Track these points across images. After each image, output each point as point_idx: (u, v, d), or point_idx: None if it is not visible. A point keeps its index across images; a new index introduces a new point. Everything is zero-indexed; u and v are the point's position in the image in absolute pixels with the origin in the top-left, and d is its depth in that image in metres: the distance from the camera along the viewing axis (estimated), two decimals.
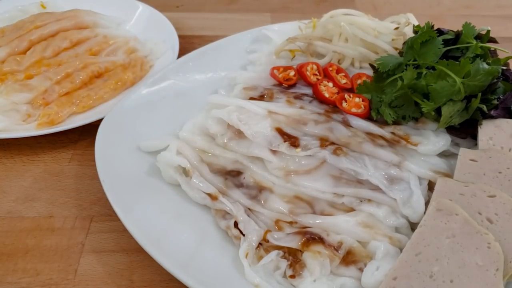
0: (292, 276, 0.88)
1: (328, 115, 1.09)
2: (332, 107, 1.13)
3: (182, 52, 1.47)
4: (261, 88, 1.21)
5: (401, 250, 0.87)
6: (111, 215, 0.99)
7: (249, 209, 1.00)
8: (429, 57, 1.07)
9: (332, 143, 1.04)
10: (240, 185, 1.03)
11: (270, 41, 1.46)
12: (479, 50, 1.09)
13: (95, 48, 1.49)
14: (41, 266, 0.97)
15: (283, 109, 1.11)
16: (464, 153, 0.99)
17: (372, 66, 1.20)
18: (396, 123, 1.07)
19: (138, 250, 0.95)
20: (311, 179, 1.00)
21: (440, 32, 1.15)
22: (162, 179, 1.06)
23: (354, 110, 1.10)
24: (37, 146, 1.25)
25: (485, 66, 1.01)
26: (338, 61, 1.32)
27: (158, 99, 1.25)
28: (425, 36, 1.08)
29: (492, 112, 1.04)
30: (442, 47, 1.08)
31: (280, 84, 1.22)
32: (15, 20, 1.55)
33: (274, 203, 0.99)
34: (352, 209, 0.97)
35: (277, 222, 0.97)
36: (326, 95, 1.14)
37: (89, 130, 1.24)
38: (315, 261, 0.88)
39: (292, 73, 1.24)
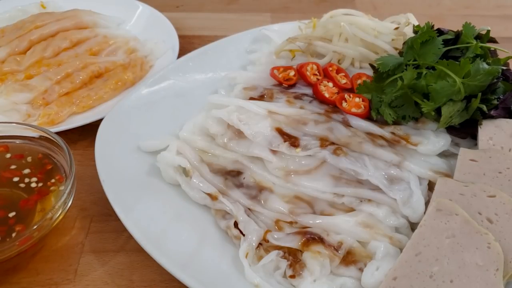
0: (292, 276, 0.88)
1: (328, 115, 1.09)
2: (332, 107, 1.13)
3: (182, 52, 1.47)
4: (261, 88, 1.21)
5: (401, 250, 0.87)
6: (111, 215, 0.99)
7: (249, 209, 1.00)
8: (429, 57, 1.07)
9: (332, 143, 1.04)
10: (240, 185, 1.03)
11: (270, 41, 1.46)
12: (479, 50, 1.09)
13: (95, 48, 1.49)
14: (41, 266, 0.97)
15: (283, 109, 1.11)
16: (464, 153, 0.99)
17: (372, 66, 1.20)
18: (396, 123, 1.07)
19: (138, 250, 0.95)
20: (311, 179, 1.00)
21: (440, 32, 1.15)
22: (162, 179, 1.06)
23: (354, 110, 1.10)
24: None
25: (485, 66, 1.01)
26: (338, 61, 1.32)
27: (158, 99, 1.25)
28: (425, 36, 1.08)
29: (492, 112, 1.04)
30: (442, 47, 1.08)
31: (280, 84, 1.22)
32: (15, 20, 1.55)
33: (274, 203, 0.99)
34: (352, 209, 0.97)
35: (277, 222, 0.97)
36: (326, 95, 1.14)
37: (89, 130, 1.24)
38: (315, 261, 0.88)
39: (292, 73, 1.24)
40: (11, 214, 0.94)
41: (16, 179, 1.00)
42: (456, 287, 0.78)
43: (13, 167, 1.02)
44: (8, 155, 1.04)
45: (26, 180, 1.00)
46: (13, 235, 0.90)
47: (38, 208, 0.96)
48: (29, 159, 1.04)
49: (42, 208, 0.96)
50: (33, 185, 0.99)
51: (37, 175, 1.01)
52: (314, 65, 1.24)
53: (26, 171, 1.01)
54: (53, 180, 1.00)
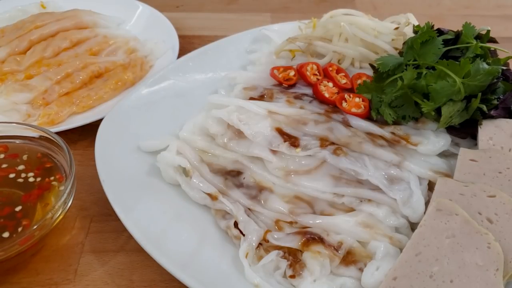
0: (292, 276, 0.88)
1: (328, 115, 1.09)
2: (332, 107, 1.13)
3: (182, 52, 1.47)
4: (261, 88, 1.21)
5: (401, 250, 0.87)
6: (111, 215, 0.99)
7: (249, 209, 1.00)
8: (429, 57, 1.07)
9: (332, 143, 1.04)
10: (240, 185, 1.03)
11: (270, 41, 1.46)
12: (479, 50, 1.09)
13: (95, 48, 1.49)
14: (41, 266, 0.97)
15: (283, 109, 1.11)
16: (464, 153, 0.99)
17: (372, 66, 1.20)
18: (396, 123, 1.07)
19: (138, 250, 0.95)
20: (311, 179, 1.00)
21: (440, 32, 1.15)
22: (162, 179, 1.06)
23: (354, 110, 1.10)
24: None
25: (485, 66, 1.01)
26: (338, 61, 1.32)
27: (158, 99, 1.25)
28: (425, 36, 1.08)
29: (492, 112, 1.04)
30: (442, 47, 1.08)
31: (280, 84, 1.22)
32: (15, 20, 1.56)
33: (274, 203, 0.99)
34: (352, 209, 0.97)
35: (277, 222, 0.97)
36: (326, 95, 1.14)
37: (89, 130, 1.24)
38: (315, 261, 0.88)
39: (292, 73, 1.24)
40: (18, 208, 0.94)
41: (12, 175, 1.00)
42: (456, 287, 0.78)
43: (4, 165, 1.02)
44: (2, 156, 1.04)
45: (23, 175, 1.00)
46: (19, 229, 0.91)
47: (39, 206, 0.96)
48: (24, 157, 1.04)
49: (45, 203, 0.96)
50: (31, 179, 0.99)
51: (34, 170, 1.01)
52: (314, 65, 1.24)
53: (21, 167, 1.01)
54: (52, 178, 1.00)
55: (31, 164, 1.02)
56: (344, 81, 1.22)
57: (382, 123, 1.08)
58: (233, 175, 1.05)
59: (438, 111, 1.02)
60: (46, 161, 1.03)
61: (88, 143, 1.25)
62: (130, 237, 0.92)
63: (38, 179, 1.00)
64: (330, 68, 1.24)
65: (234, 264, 0.91)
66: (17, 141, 1.06)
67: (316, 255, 0.89)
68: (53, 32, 1.49)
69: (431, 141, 1.03)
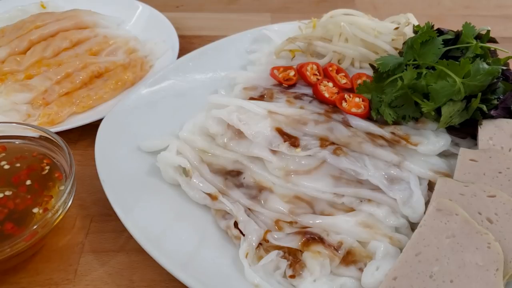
0: (292, 276, 0.88)
1: (328, 115, 1.09)
2: (332, 107, 1.13)
3: (182, 52, 1.47)
4: (261, 88, 1.21)
5: (401, 250, 0.87)
6: (111, 215, 0.99)
7: (249, 209, 1.00)
8: (429, 57, 1.07)
9: (332, 143, 1.04)
10: (240, 185, 1.03)
11: (270, 41, 1.46)
12: (479, 50, 1.09)
13: (95, 48, 1.49)
14: (41, 266, 0.97)
15: (283, 109, 1.11)
16: (464, 153, 0.99)
17: (372, 66, 1.20)
18: (396, 123, 1.07)
19: (138, 250, 0.95)
20: (311, 179, 1.00)
21: (440, 32, 1.15)
22: (162, 179, 1.06)
23: (354, 110, 1.10)
24: None
25: (485, 66, 1.01)
26: (338, 61, 1.31)
27: (158, 99, 1.25)
28: (425, 36, 1.08)
29: (492, 112, 1.04)
30: (442, 47, 1.08)
31: (280, 84, 1.22)
32: (15, 20, 1.55)
33: (274, 203, 0.99)
34: (352, 209, 0.97)
35: (277, 222, 0.97)
36: (326, 95, 1.14)
37: (89, 130, 1.24)
38: (315, 261, 0.88)
39: (292, 73, 1.24)
40: (28, 182, 0.97)
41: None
42: (456, 287, 0.78)
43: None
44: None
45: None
46: (40, 211, 0.93)
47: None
48: (2, 154, 1.04)
49: (53, 184, 0.98)
50: (6, 167, 1.00)
51: (12, 159, 1.02)
52: (314, 65, 1.24)
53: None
54: (47, 168, 1.01)
55: (8, 155, 1.03)
56: (344, 81, 1.22)
57: (382, 123, 1.08)
58: (233, 175, 1.05)
59: (438, 111, 1.02)
60: (43, 158, 1.04)
61: (88, 143, 1.25)
62: (130, 237, 0.92)
63: (17, 164, 1.01)
64: (330, 68, 1.24)
65: (234, 264, 0.91)
66: (17, 141, 1.06)
67: (316, 255, 0.89)
68: (53, 32, 1.49)
69: (431, 141, 1.03)
